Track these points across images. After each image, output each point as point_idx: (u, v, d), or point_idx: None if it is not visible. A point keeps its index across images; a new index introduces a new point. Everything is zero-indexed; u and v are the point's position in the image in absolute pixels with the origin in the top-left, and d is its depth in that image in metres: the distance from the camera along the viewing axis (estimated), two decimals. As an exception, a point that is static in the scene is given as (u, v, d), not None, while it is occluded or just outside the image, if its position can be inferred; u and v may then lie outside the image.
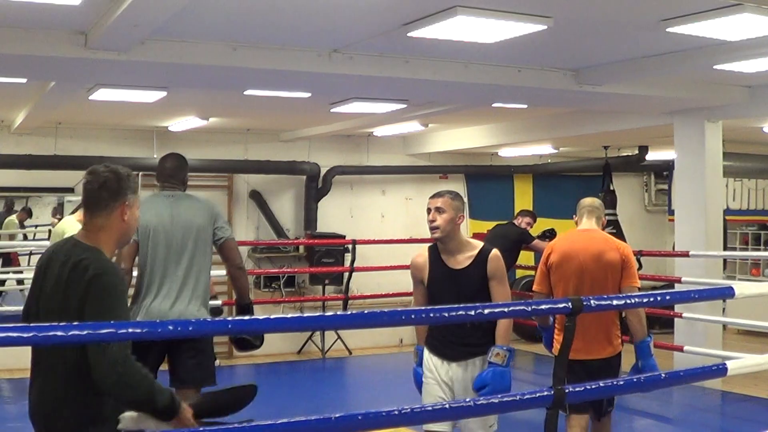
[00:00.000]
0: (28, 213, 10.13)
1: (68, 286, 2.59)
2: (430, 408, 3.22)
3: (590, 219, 4.67)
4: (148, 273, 4.35)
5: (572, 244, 4.58)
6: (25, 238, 10.33)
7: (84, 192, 2.76)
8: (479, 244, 3.98)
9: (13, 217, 10.08)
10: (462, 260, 3.91)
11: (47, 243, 9.74)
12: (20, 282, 10.01)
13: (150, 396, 2.50)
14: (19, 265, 10.26)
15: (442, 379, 3.91)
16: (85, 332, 2.19)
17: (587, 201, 4.78)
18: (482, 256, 3.89)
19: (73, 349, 2.53)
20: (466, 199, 12.10)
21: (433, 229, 3.90)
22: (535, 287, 4.69)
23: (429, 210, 3.93)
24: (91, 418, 2.60)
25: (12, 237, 10.17)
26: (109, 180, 2.71)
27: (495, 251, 3.94)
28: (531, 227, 8.80)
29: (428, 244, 4.12)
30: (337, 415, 2.55)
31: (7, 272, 10.17)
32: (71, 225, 6.39)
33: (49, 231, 9.92)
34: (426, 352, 4.01)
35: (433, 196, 3.98)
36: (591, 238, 4.58)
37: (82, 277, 2.57)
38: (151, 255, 4.35)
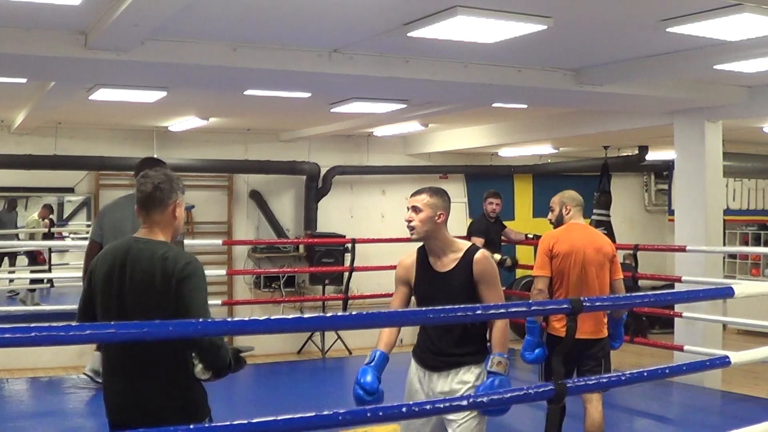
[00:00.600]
0: (49, 209, 10.10)
1: (163, 278, 2.88)
2: (422, 407, 3.12)
3: (579, 215, 5.15)
4: None
5: (578, 237, 5.00)
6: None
7: (140, 194, 3.07)
8: (466, 245, 3.66)
9: (35, 215, 10.05)
10: (448, 262, 3.62)
11: (46, 243, 9.75)
12: (49, 281, 9.89)
13: (229, 364, 2.93)
14: (44, 263, 10.00)
15: (427, 395, 3.62)
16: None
17: (575, 197, 5.17)
18: (467, 258, 3.57)
19: (166, 343, 2.81)
20: (465, 199, 12.19)
21: (409, 229, 3.67)
22: (538, 272, 4.96)
23: (408, 209, 3.70)
24: (193, 402, 2.97)
25: (32, 236, 10.12)
26: (162, 181, 3.05)
27: (482, 252, 3.62)
28: (495, 205, 8.21)
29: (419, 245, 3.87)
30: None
31: (27, 271, 10.13)
32: None
33: (49, 230, 9.90)
34: (412, 364, 3.76)
35: (413, 194, 3.74)
36: (590, 232, 5.17)
37: (174, 268, 2.88)
38: None
